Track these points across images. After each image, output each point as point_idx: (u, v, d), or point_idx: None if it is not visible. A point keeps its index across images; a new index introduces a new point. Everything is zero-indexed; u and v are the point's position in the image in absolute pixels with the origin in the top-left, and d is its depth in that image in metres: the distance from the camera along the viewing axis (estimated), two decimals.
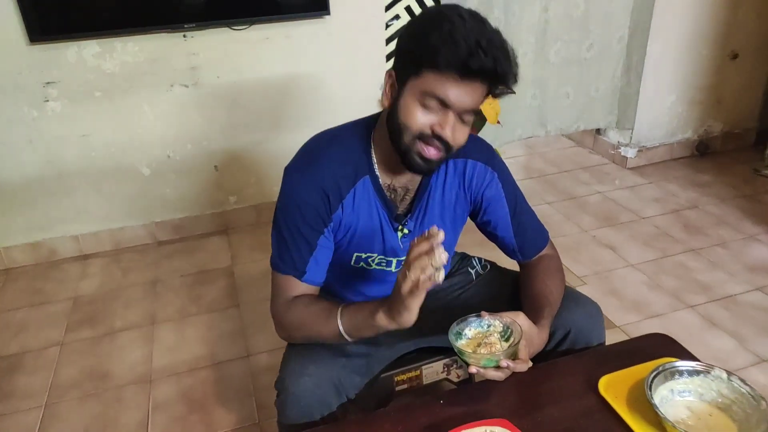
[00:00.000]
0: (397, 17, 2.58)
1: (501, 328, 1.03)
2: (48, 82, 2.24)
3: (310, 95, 2.59)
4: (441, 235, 0.89)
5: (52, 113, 2.29)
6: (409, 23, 1.02)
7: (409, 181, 1.14)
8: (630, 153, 3.14)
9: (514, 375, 1.13)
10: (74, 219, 2.49)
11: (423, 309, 0.96)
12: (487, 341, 1.01)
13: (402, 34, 1.02)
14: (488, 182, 1.18)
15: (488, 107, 2.48)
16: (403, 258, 1.15)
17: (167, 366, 1.90)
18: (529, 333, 1.05)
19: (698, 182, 2.97)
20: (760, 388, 1.00)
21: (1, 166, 2.31)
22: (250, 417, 1.69)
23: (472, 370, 0.99)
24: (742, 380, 1.00)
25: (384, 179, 1.12)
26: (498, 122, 2.57)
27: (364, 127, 1.13)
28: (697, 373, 1.03)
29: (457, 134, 1.00)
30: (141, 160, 2.48)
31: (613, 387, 1.06)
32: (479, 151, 1.18)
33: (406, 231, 1.17)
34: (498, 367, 0.99)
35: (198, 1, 2.28)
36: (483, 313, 1.04)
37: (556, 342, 1.20)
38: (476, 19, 0.95)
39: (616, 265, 2.34)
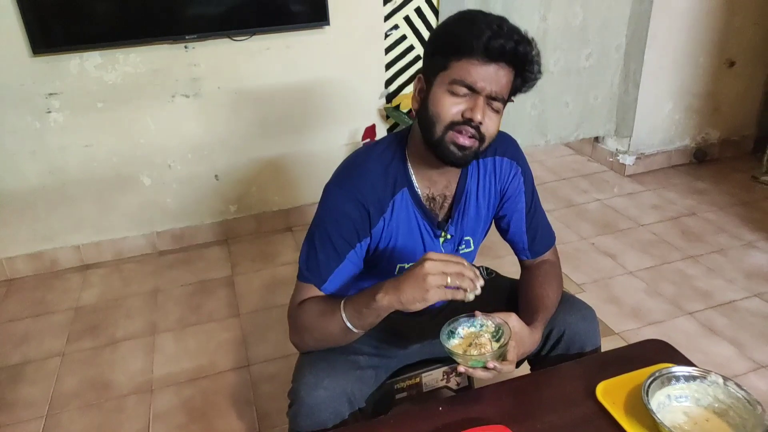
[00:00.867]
0: (396, 27, 2.61)
1: (493, 329, 1.04)
2: (50, 94, 2.26)
3: (310, 105, 2.61)
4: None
5: (55, 124, 2.31)
6: (434, 31, 1.09)
7: (445, 187, 1.17)
8: (628, 160, 3.16)
9: (513, 381, 1.14)
10: (76, 229, 2.51)
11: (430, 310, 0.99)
12: (478, 341, 1.02)
13: (428, 40, 1.09)
14: (512, 176, 1.22)
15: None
16: None
17: (168, 376, 1.90)
18: (520, 334, 1.06)
19: (696, 189, 2.99)
20: (759, 395, 1.01)
21: (4, 177, 2.33)
22: (251, 426, 1.69)
23: (461, 369, 1.00)
24: (738, 385, 1.01)
25: (422, 190, 1.14)
26: None
27: (398, 141, 1.15)
28: (694, 378, 1.04)
29: (487, 121, 1.03)
30: (142, 171, 2.50)
31: (610, 393, 1.06)
32: (505, 146, 1.22)
33: (448, 236, 1.19)
34: (486, 368, 1.00)
35: (199, 12, 2.30)
36: (476, 312, 1.05)
37: (551, 344, 1.22)
38: (499, 18, 1.01)
39: (615, 272, 2.35)
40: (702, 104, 3.15)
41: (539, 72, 1.05)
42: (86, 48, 2.23)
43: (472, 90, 1.00)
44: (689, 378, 1.05)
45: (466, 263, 0.97)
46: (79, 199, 2.46)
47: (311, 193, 2.74)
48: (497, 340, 1.03)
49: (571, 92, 2.98)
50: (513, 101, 1.10)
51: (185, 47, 2.35)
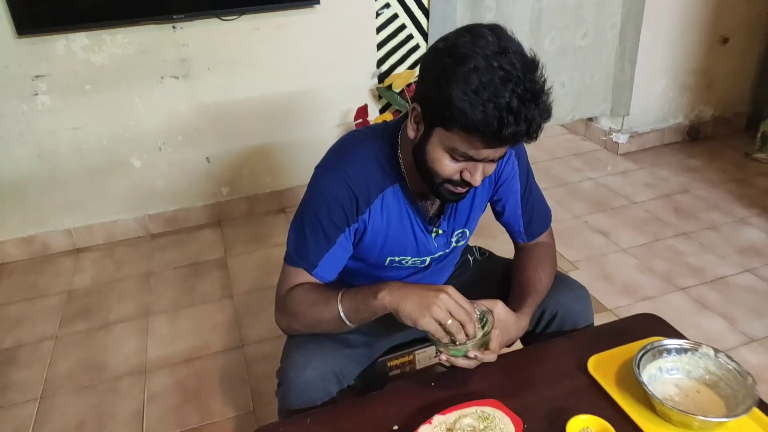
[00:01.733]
0: (387, 6, 2.57)
1: (477, 317, 1.04)
2: (37, 76, 2.23)
3: (301, 85, 2.58)
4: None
5: (42, 107, 2.28)
6: (434, 53, 0.93)
7: None
8: (622, 139, 3.15)
9: (505, 357, 1.15)
10: (67, 213, 2.49)
11: None
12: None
13: (426, 68, 0.95)
14: (506, 160, 1.18)
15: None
16: (438, 254, 1.20)
17: (162, 357, 1.90)
18: (505, 322, 1.06)
19: (689, 167, 2.99)
20: (750, 368, 1.01)
21: None
22: (246, 405, 1.70)
23: (443, 357, 1.01)
24: (729, 357, 1.01)
25: (413, 186, 1.10)
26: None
27: (390, 134, 1.11)
28: (685, 351, 1.05)
29: (486, 172, 0.99)
30: (132, 153, 2.48)
31: (602, 366, 1.07)
32: None
33: (440, 232, 1.17)
34: (467, 357, 1.01)
35: None
36: None
37: (545, 324, 1.22)
38: (504, 55, 0.87)
39: (608, 249, 2.36)
40: (695, 81, 3.14)
41: (549, 120, 0.94)
42: (72, 29, 2.19)
43: (474, 159, 0.95)
44: (680, 350, 1.05)
45: (473, 318, 0.98)
46: (69, 182, 2.43)
47: (304, 174, 2.71)
48: (483, 327, 1.02)
49: (567, 72, 2.95)
50: None
51: (173, 27, 2.31)
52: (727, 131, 3.31)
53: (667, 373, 1.04)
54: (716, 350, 1.03)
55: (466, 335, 0.97)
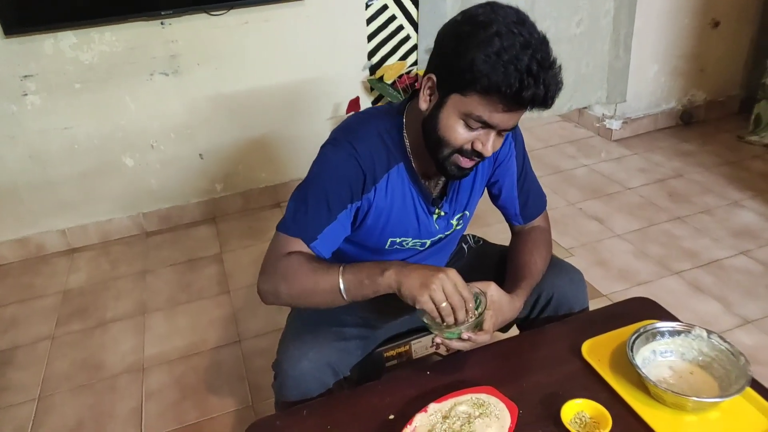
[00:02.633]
0: None
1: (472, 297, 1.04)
2: (26, 76, 2.21)
3: (291, 79, 2.57)
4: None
5: (32, 107, 2.26)
6: (452, 24, 0.97)
7: None
8: (615, 125, 3.15)
9: (500, 344, 1.15)
10: (60, 213, 2.48)
11: None
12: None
13: (444, 37, 0.97)
14: (504, 140, 1.18)
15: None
16: (437, 237, 1.20)
17: (159, 354, 1.90)
18: (499, 303, 1.06)
19: (683, 151, 2.99)
20: (745, 349, 1.01)
21: None
22: (244, 400, 1.70)
23: (438, 340, 1.02)
24: (722, 338, 1.02)
25: (418, 166, 1.11)
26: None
27: (395, 114, 1.11)
28: (678, 333, 1.05)
29: (495, 146, 1.00)
30: (124, 152, 2.47)
31: (596, 351, 1.07)
32: None
33: (441, 213, 1.17)
34: (461, 339, 1.01)
35: None
36: None
37: (540, 307, 1.22)
38: (522, 25, 0.91)
39: (603, 235, 2.36)
40: (687, 66, 3.13)
41: (559, 93, 0.97)
42: (60, 28, 2.17)
43: (487, 125, 0.97)
44: (674, 333, 1.06)
45: (470, 307, 0.98)
46: (61, 182, 2.42)
47: (298, 168, 2.72)
48: (475, 310, 1.03)
49: (563, 61, 2.91)
50: None
51: (161, 23, 2.30)
52: (720, 115, 3.31)
53: (661, 356, 1.05)
54: (709, 331, 1.03)
55: (456, 320, 0.97)
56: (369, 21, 2.60)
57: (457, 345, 1.01)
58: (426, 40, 2.67)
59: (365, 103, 2.69)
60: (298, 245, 1.05)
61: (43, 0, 2.12)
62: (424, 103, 1.02)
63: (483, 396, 0.97)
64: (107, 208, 2.54)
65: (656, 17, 2.93)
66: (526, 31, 0.90)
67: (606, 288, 2.05)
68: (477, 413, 0.94)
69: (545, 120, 3.47)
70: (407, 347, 1.39)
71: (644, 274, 2.11)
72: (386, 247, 1.18)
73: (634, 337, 1.03)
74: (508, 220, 1.29)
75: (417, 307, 0.96)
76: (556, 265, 1.24)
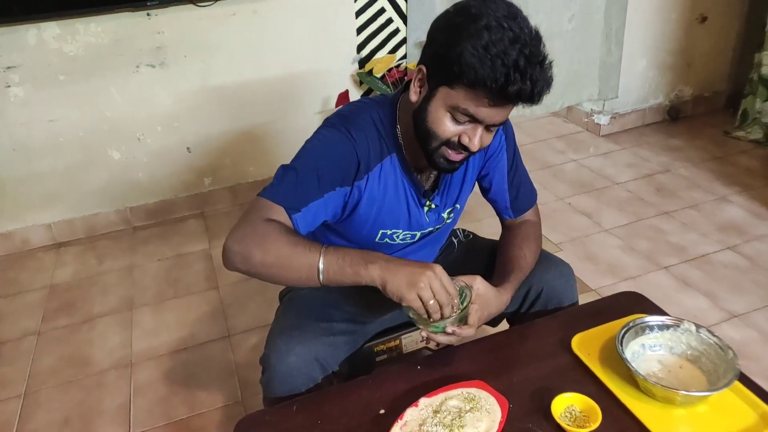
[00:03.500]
0: None
1: (458, 292, 1.03)
2: (8, 67, 2.17)
3: (280, 71, 2.55)
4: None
5: (15, 99, 2.23)
6: (444, 16, 0.97)
7: None
8: (603, 120, 3.16)
9: (490, 338, 1.16)
10: (46, 207, 2.44)
11: None
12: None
13: (436, 28, 0.98)
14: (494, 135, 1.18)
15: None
16: (428, 230, 1.20)
17: (147, 349, 1.89)
18: (485, 297, 1.06)
19: (670, 147, 3.01)
20: (732, 343, 1.02)
21: None
22: (234, 395, 1.70)
23: (423, 334, 1.02)
24: (710, 332, 1.02)
25: (410, 158, 1.11)
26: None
27: (389, 105, 1.11)
28: (667, 327, 1.06)
29: (483, 141, 1.00)
30: (110, 145, 2.44)
31: (585, 345, 1.08)
32: None
33: (433, 206, 1.17)
34: (446, 333, 1.01)
35: None
36: None
37: (530, 301, 1.23)
38: (513, 19, 0.91)
39: (592, 230, 2.37)
40: (675, 61, 3.15)
41: (549, 91, 0.97)
42: (43, 18, 2.14)
43: (474, 120, 0.96)
44: (663, 327, 1.06)
45: (455, 303, 0.98)
46: (47, 176, 2.39)
47: (286, 161, 2.70)
48: (461, 304, 1.02)
49: (555, 57, 2.88)
50: None
51: (147, 14, 2.27)
52: (707, 110, 3.33)
53: (650, 350, 1.06)
54: (698, 326, 1.04)
55: (442, 315, 0.97)
56: (358, 14, 2.58)
57: (442, 339, 1.01)
58: (415, 33, 2.66)
59: (354, 96, 2.68)
60: (279, 214, 0.99)
61: None
62: (414, 95, 1.02)
63: (473, 390, 0.97)
64: (93, 201, 2.51)
65: (644, 12, 2.94)
66: (516, 26, 0.90)
67: (595, 282, 2.06)
68: (468, 407, 0.94)
69: (534, 115, 3.48)
70: (398, 342, 1.39)
71: (632, 269, 2.13)
72: (376, 240, 1.17)
73: (623, 331, 1.03)
74: (498, 213, 1.29)
75: (404, 304, 0.96)
76: (545, 260, 1.25)
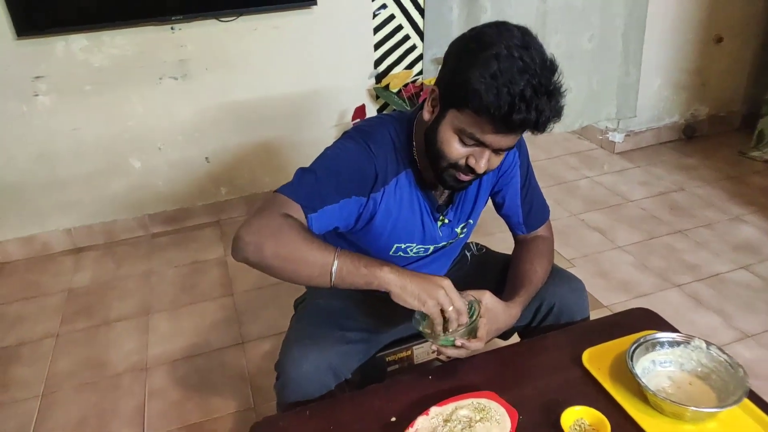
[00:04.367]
0: (384, 6, 2.59)
1: (466, 306, 1.05)
2: (37, 77, 2.24)
3: (298, 85, 2.60)
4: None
5: (42, 108, 2.29)
6: (460, 40, 0.99)
7: None
8: (618, 138, 3.17)
9: (501, 350, 1.17)
10: (67, 213, 2.50)
11: None
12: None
13: (450, 52, 1.00)
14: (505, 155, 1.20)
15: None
16: (442, 245, 1.22)
17: (162, 354, 1.92)
18: (494, 311, 1.08)
19: (685, 165, 3.01)
20: (744, 363, 1.02)
21: None
22: (246, 402, 1.72)
23: (433, 347, 1.04)
24: (721, 349, 1.03)
25: (425, 174, 1.13)
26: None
27: (407, 121, 1.14)
28: (678, 344, 1.07)
29: (491, 163, 1.02)
30: (132, 154, 2.49)
31: (596, 359, 1.09)
32: None
33: (446, 221, 1.19)
34: (455, 346, 1.03)
35: None
36: None
37: (542, 316, 1.24)
38: (526, 49, 0.92)
39: (605, 247, 2.38)
40: (690, 80, 3.16)
41: (559, 119, 0.97)
42: (71, 30, 2.21)
43: (481, 144, 0.98)
44: (673, 343, 1.07)
45: (462, 320, 0.99)
46: (69, 182, 2.45)
47: None
48: (470, 317, 1.04)
49: (574, 77, 2.87)
50: None
51: (171, 28, 2.33)
52: (722, 130, 3.33)
53: (660, 366, 1.06)
54: (708, 343, 1.05)
55: (447, 329, 0.99)
56: (376, 30, 2.63)
57: (451, 352, 1.04)
58: (431, 49, 2.70)
59: (371, 110, 2.72)
60: (296, 212, 0.99)
61: (56, 3, 2.15)
62: (427, 114, 1.05)
63: (484, 401, 0.99)
64: (113, 208, 2.56)
65: (660, 32, 2.96)
66: (528, 56, 0.91)
67: (607, 299, 2.06)
68: (478, 417, 0.95)
69: (553, 134, 3.49)
70: (409, 352, 1.40)
71: (645, 286, 2.13)
72: (390, 252, 1.20)
73: (634, 346, 1.05)
74: (511, 229, 1.31)
75: (422, 310, 0.98)
76: (557, 274, 1.26)
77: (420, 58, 2.74)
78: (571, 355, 1.11)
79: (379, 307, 1.25)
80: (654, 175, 2.93)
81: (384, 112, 2.75)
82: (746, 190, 2.72)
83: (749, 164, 2.97)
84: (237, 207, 2.74)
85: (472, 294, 1.06)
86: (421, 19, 2.67)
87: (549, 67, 0.94)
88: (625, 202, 2.71)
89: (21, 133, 2.30)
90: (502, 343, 1.26)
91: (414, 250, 1.21)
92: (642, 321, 1.19)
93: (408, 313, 1.08)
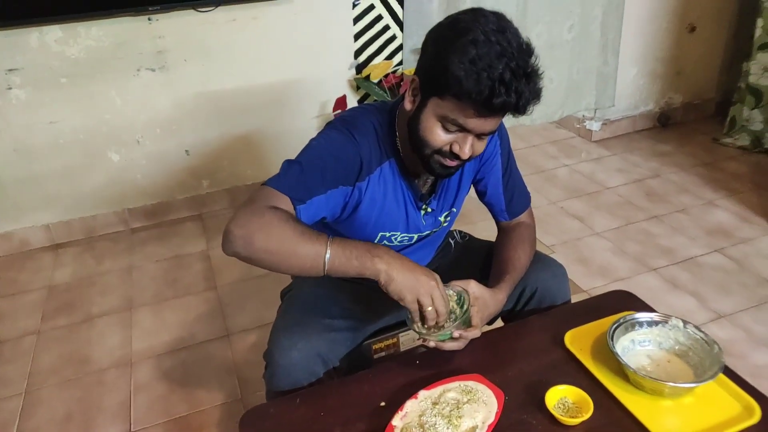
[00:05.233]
0: None
1: (456, 298, 1.08)
2: (11, 69, 2.20)
3: (278, 76, 2.59)
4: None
5: (17, 101, 2.25)
6: (437, 28, 1.00)
7: None
8: (595, 126, 3.22)
9: (486, 334, 1.19)
10: (44, 208, 2.47)
11: None
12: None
13: (427, 40, 1.01)
14: (489, 139, 1.20)
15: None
16: (426, 233, 1.23)
17: (147, 349, 1.91)
18: (482, 298, 1.10)
19: (660, 152, 3.07)
20: (719, 342, 1.05)
21: None
22: (233, 393, 1.72)
23: (431, 344, 1.05)
24: (697, 327, 1.07)
25: (408, 163, 1.14)
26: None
27: (389, 111, 1.15)
28: (656, 323, 1.10)
29: (475, 149, 1.03)
30: (110, 147, 2.46)
31: (578, 340, 1.12)
32: None
33: (429, 210, 1.21)
34: (453, 338, 1.05)
35: None
36: None
37: (525, 300, 1.27)
38: (502, 33, 0.93)
39: (584, 233, 2.42)
40: (665, 69, 3.22)
41: (538, 101, 0.98)
42: (45, 21, 2.17)
43: (464, 129, 0.99)
44: (651, 323, 1.11)
45: (441, 318, 1.01)
46: (46, 177, 2.41)
47: None
48: (461, 308, 1.07)
49: (555, 67, 2.89)
50: None
51: (149, 19, 2.30)
52: (696, 117, 3.40)
53: (640, 345, 1.10)
54: (685, 322, 1.08)
55: (438, 324, 1.02)
56: (356, 20, 2.62)
57: (451, 345, 1.06)
58: (411, 39, 2.71)
59: (351, 101, 2.72)
60: (285, 204, 0.99)
61: None
62: (408, 104, 1.06)
63: (471, 383, 1.01)
64: (92, 203, 2.53)
65: (637, 21, 3.00)
66: (504, 40, 0.92)
67: (586, 284, 2.10)
68: (465, 399, 0.97)
69: (535, 124, 3.53)
70: (395, 339, 1.42)
71: (623, 271, 2.18)
72: (375, 241, 1.21)
73: (614, 327, 1.08)
74: (494, 216, 1.34)
75: (400, 299, 0.99)
76: (540, 260, 1.29)
77: (400, 48, 2.74)
78: (554, 338, 1.14)
79: (367, 295, 1.27)
80: (630, 163, 2.99)
81: (365, 102, 2.75)
82: (720, 176, 2.79)
83: (723, 150, 3.04)
84: (219, 200, 2.73)
85: (458, 284, 1.08)
86: (401, 9, 2.67)
87: (526, 50, 0.95)
88: (602, 189, 2.76)
89: None
90: (487, 328, 1.29)
91: (398, 239, 1.22)
92: (621, 303, 1.23)
93: (395, 302, 1.10)
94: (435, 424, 0.93)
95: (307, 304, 1.24)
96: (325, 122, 1.18)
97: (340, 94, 2.56)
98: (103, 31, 2.26)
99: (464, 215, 1.33)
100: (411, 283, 0.97)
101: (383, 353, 1.41)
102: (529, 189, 1.36)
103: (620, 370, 1.03)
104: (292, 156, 1.09)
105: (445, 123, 1.00)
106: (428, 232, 1.25)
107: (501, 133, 1.25)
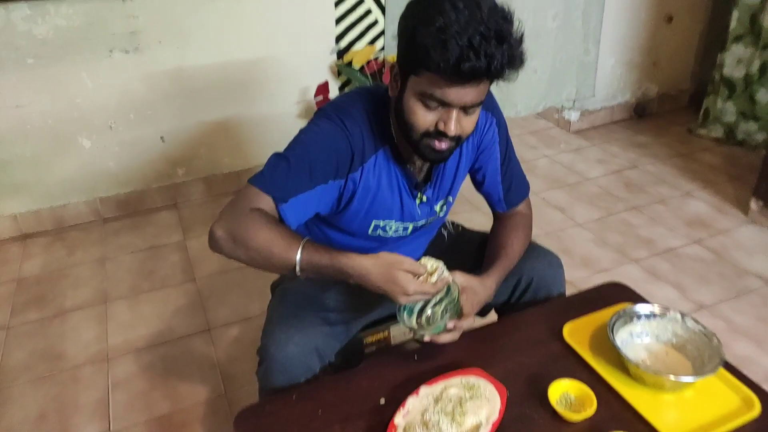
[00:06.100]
0: None
1: (444, 289, 1.05)
2: None
3: (258, 60, 2.51)
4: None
5: None
6: (407, 7, 0.98)
7: None
8: (573, 116, 3.23)
9: (484, 328, 1.18)
10: (11, 197, 2.35)
11: None
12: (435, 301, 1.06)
13: (400, 21, 0.98)
14: (487, 128, 1.20)
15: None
16: (421, 223, 1.20)
17: (124, 343, 1.85)
18: (470, 287, 1.08)
19: (637, 143, 3.10)
20: None
21: None
22: (217, 389, 1.67)
23: (427, 339, 1.04)
24: (695, 320, 1.07)
25: (403, 150, 1.11)
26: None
27: (381, 97, 1.11)
28: (654, 316, 1.10)
29: (463, 125, 1.00)
30: (81, 132, 2.36)
31: (576, 333, 1.11)
32: None
33: (424, 198, 1.18)
34: (447, 330, 1.04)
35: None
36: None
37: (521, 291, 1.26)
38: (471, 3, 0.90)
39: (566, 225, 2.43)
40: (642, 60, 3.24)
41: (522, 64, 0.96)
42: None
43: (444, 104, 0.97)
44: (650, 316, 1.11)
45: (427, 290, 1.00)
46: (13, 164, 2.30)
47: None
48: (451, 297, 1.05)
49: (539, 57, 2.88)
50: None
51: None
52: (672, 108, 3.45)
53: (637, 338, 1.10)
54: (683, 314, 1.08)
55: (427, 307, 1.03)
56: (337, 4, 2.56)
57: (446, 338, 1.04)
58: (393, 25, 2.62)
59: (333, 87, 2.67)
60: (267, 203, 1.01)
61: None
62: (392, 90, 1.04)
63: (472, 378, 0.99)
64: (62, 192, 2.43)
65: (616, 11, 3.02)
66: (473, 5, 0.90)
67: (570, 275, 2.07)
68: (468, 395, 0.95)
69: (520, 115, 3.52)
70: (386, 333, 1.40)
71: (605, 262, 2.19)
72: (369, 232, 1.18)
73: (614, 319, 1.07)
74: (491, 206, 1.32)
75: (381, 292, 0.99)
76: (535, 250, 1.28)
77: (382, 33, 2.70)
78: (552, 330, 1.13)
79: (358, 287, 1.24)
80: (609, 153, 3.01)
81: (347, 88, 2.70)
82: (696, 167, 2.84)
83: (698, 142, 3.09)
84: (195, 189, 2.65)
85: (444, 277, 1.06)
86: None
87: (499, 13, 0.92)
88: (582, 180, 2.78)
89: None
90: (482, 321, 1.27)
91: (393, 228, 1.19)
92: (616, 295, 1.23)
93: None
94: (438, 422, 0.91)
95: (301, 296, 1.20)
96: (306, 109, 1.15)
97: (321, 80, 2.50)
98: (74, 10, 2.15)
99: (459, 208, 1.31)
100: (384, 277, 0.97)
101: (374, 347, 1.39)
102: None
103: (619, 363, 1.03)
104: (271, 145, 1.08)
105: (425, 100, 0.97)
106: (423, 222, 1.22)
107: (499, 122, 1.22)
